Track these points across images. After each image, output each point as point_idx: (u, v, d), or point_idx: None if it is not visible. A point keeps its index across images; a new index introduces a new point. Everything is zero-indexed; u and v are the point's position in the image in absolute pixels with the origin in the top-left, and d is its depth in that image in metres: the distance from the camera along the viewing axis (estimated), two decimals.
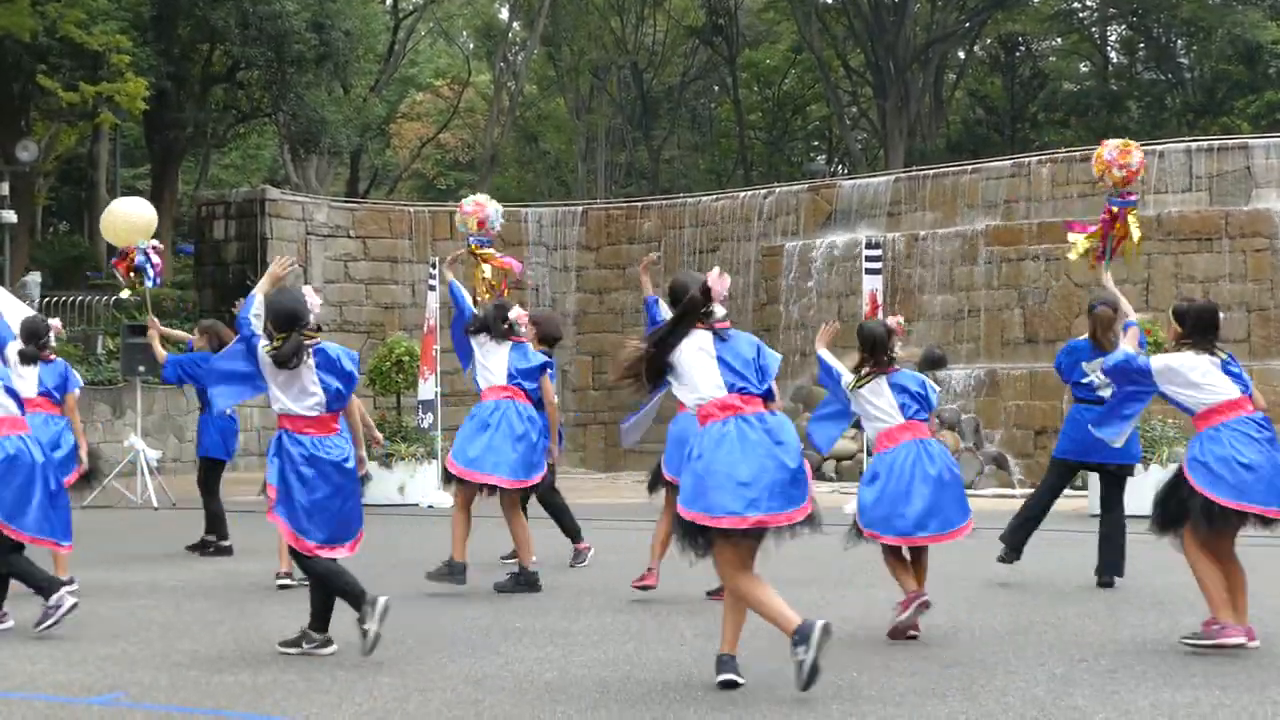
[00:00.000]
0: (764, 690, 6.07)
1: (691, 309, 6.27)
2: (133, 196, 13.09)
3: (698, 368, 6.19)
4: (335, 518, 6.95)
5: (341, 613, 7.04)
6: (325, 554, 6.94)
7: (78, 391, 9.86)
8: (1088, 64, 47.32)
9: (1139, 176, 10.40)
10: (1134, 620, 7.85)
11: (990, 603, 8.62)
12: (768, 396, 6.26)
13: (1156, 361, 7.19)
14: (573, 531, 10.82)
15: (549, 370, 9.68)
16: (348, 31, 28.28)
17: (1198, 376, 7.04)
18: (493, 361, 9.47)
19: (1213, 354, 7.12)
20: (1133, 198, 10.41)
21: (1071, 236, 10.22)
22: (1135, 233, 10.23)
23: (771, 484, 6.01)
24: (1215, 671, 6.46)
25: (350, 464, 7.02)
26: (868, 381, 7.55)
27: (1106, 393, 9.31)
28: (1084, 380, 9.47)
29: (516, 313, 9.66)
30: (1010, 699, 5.93)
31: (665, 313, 8.78)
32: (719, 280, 6.32)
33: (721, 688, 6.04)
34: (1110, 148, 10.47)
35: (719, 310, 6.34)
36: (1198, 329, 7.16)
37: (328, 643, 6.99)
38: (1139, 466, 13.74)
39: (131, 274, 12.56)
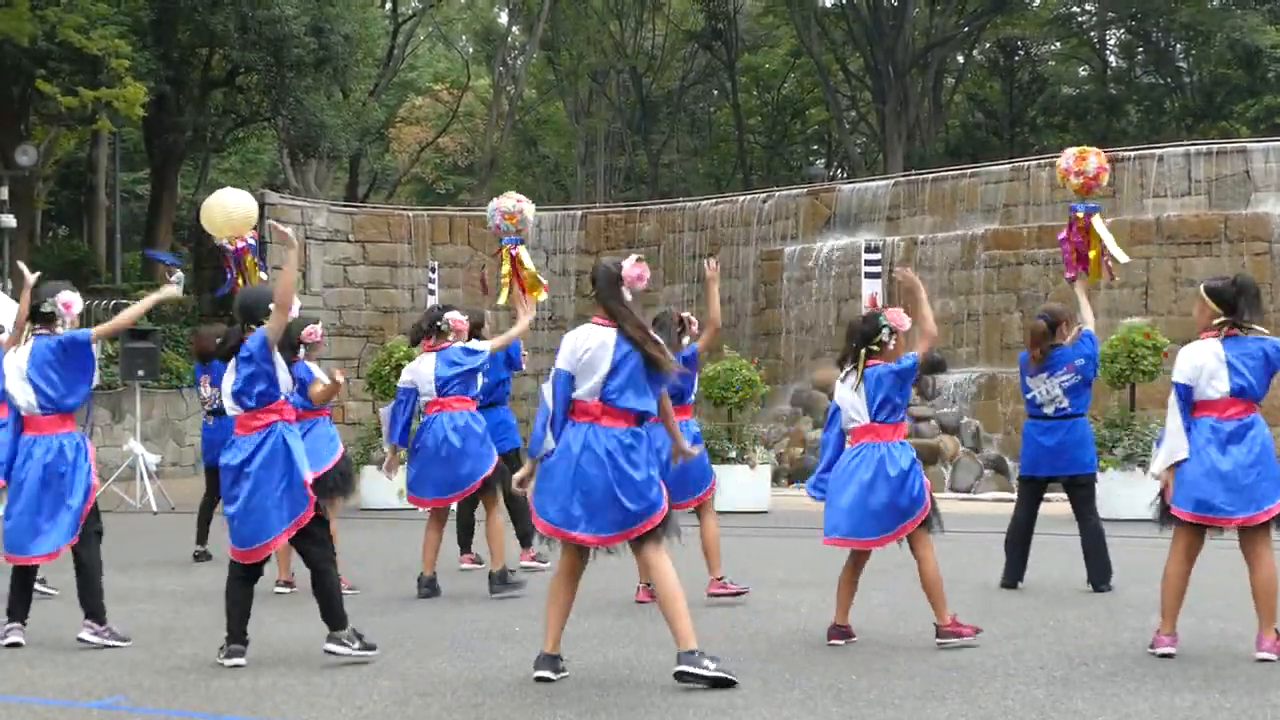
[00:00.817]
0: (764, 691, 6.07)
1: (611, 284, 6.25)
2: (232, 188, 12.87)
3: (595, 365, 6.21)
4: (239, 521, 6.84)
5: (353, 618, 7.04)
6: (239, 559, 6.89)
7: None
8: (1087, 68, 47.36)
9: (1100, 182, 10.31)
10: (1134, 624, 7.85)
11: (989, 606, 8.62)
12: (644, 413, 6.28)
13: (1180, 377, 6.96)
14: (523, 537, 10.61)
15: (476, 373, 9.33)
16: (347, 36, 28.27)
17: (1204, 381, 6.96)
18: (422, 374, 9.28)
19: (1236, 338, 6.92)
20: (1095, 205, 10.37)
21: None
22: (1106, 236, 10.18)
23: (597, 505, 6.17)
24: (1215, 675, 6.46)
25: (253, 465, 6.78)
26: (849, 377, 7.40)
27: (1050, 409, 9.27)
28: (1028, 395, 9.42)
29: (453, 316, 9.32)
30: (1010, 702, 5.93)
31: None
32: (634, 268, 6.31)
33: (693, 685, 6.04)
34: (1067, 155, 10.44)
35: (626, 295, 6.30)
36: (1250, 304, 6.94)
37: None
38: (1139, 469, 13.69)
39: (243, 264, 12.35)
